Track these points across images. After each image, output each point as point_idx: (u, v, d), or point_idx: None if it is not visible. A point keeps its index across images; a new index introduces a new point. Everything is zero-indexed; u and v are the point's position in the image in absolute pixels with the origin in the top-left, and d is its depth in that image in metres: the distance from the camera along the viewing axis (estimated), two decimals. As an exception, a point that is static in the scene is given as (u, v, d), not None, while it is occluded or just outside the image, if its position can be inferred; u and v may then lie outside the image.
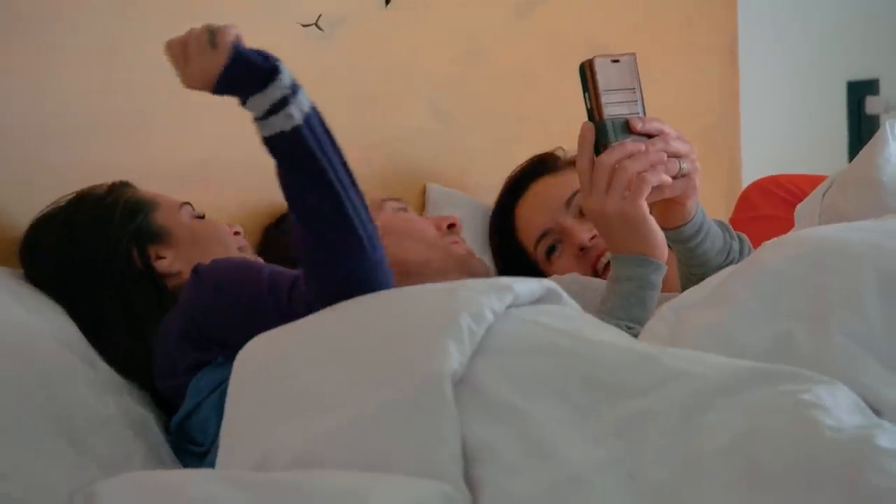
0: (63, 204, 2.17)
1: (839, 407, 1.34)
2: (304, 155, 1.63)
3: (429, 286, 1.64)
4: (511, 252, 2.53)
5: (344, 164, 1.64)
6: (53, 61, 2.28)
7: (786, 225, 2.09)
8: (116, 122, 2.35)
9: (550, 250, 2.47)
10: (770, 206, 2.63)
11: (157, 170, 2.39)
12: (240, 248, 2.20)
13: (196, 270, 1.95)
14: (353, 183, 1.64)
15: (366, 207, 1.65)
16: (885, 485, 1.22)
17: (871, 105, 3.84)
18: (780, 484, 1.25)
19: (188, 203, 2.22)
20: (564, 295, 1.61)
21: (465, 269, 2.33)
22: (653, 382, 1.38)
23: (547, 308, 1.55)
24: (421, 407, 1.39)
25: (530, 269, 2.49)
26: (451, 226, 2.39)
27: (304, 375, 1.51)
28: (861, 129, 3.81)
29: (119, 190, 2.18)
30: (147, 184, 2.37)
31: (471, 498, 1.34)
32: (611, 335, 1.49)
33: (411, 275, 2.28)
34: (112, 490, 1.41)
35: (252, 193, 2.52)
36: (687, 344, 1.53)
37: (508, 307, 1.52)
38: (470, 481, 1.35)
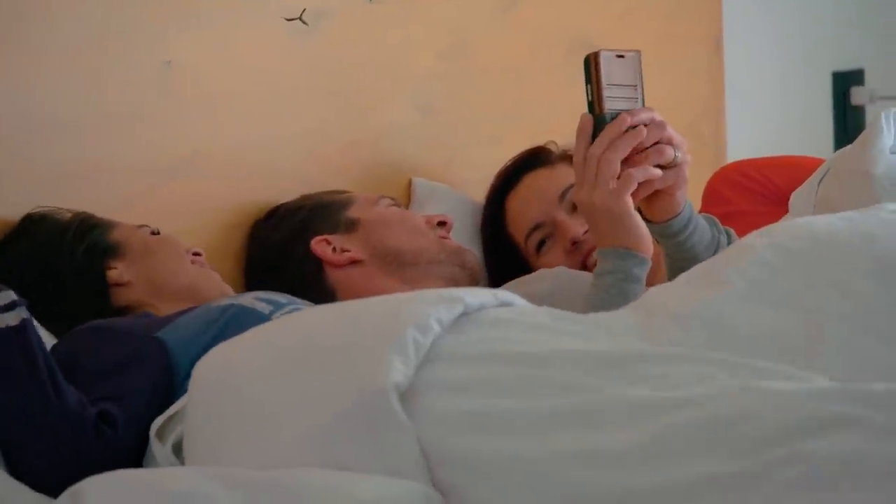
0: (24, 222, 2.20)
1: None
2: None
3: (381, 298, 1.65)
4: (501, 244, 2.54)
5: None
6: (40, 57, 2.28)
7: (762, 220, 2.09)
8: (103, 116, 2.35)
9: (541, 244, 2.47)
10: (743, 200, 2.62)
11: (144, 164, 2.40)
12: (194, 262, 2.21)
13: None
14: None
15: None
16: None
17: (857, 95, 3.85)
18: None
19: (146, 225, 2.24)
20: (519, 302, 1.62)
21: (458, 259, 2.35)
22: (613, 391, 1.39)
23: (500, 314, 1.55)
24: (370, 420, 1.40)
25: (519, 261, 2.50)
26: (442, 223, 2.40)
27: (258, 391, 1.51)
28: (847, 120, 3.82)
29: (78, 214, 2.22)
30: (134, 178, 2.38)
31: (443, 502, 1.35)
32: (565, 341, 1.48)
33: (406, 264, 2.29)
34: (98, 487, 1.42)
35: (240, 187, 2.53)
36: (676, 323, 1.52)
37: (460, 317, 1.52)
38: (440, 485, 1.36)
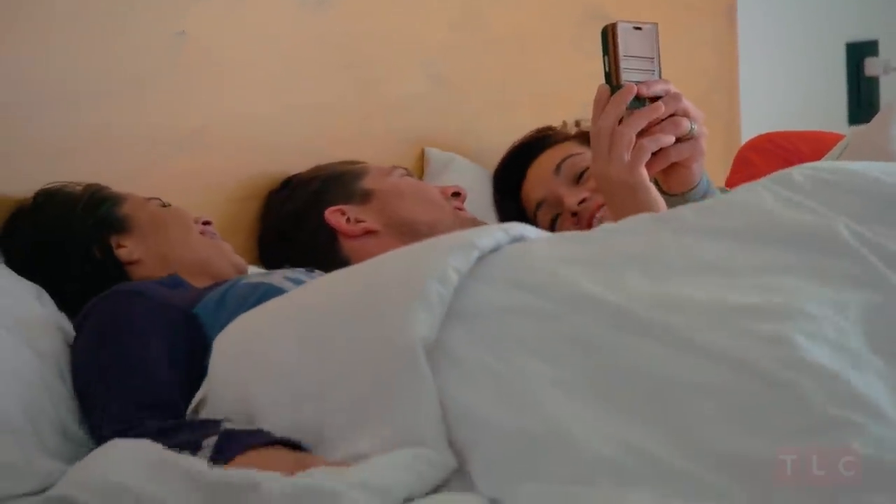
0: (38, 197, 2.20)
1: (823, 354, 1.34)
2: None
3: (395, 253, 1.64)
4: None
5: None
6: (49, 27, 2.27)
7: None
8: (114, 87, 2.34)
9: (553, 221, 2.48)
10: (768, 165, 2.63)
11: (154, 136, 2.39)
12: (203, 233, 2.20)
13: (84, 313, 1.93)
14: None
15: None
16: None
17: (871, 66, 3.83)
18: None
19: (156, 198, 2.23)
20: (531, 233, 1.62)
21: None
22: (629, 340, 1.39)
23: (516, 254, 1.54)
24: (396, 378, 1.40)
25: None
26: (456, 194, 2.39)
27: (285, 361, 1.52)
28: (860, 91, 3.81)
29: (90, 187, 2.21)
30: (145, 150, 2.37)
31: (454, 460, 1.36)
32: (588, 283, 1.48)
33: (420, 235, 2.29)
34: (101, 454, 1.52)
35: (252, 160, 2.52)
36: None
37: (478, 260, 1.52)
38: (457, 445, 1.37)
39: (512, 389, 1.38)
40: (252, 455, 1.47)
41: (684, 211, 1.59)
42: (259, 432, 1.50)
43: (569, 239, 1.59)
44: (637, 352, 1.37)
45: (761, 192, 1.56)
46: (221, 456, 1.48)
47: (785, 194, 1.55)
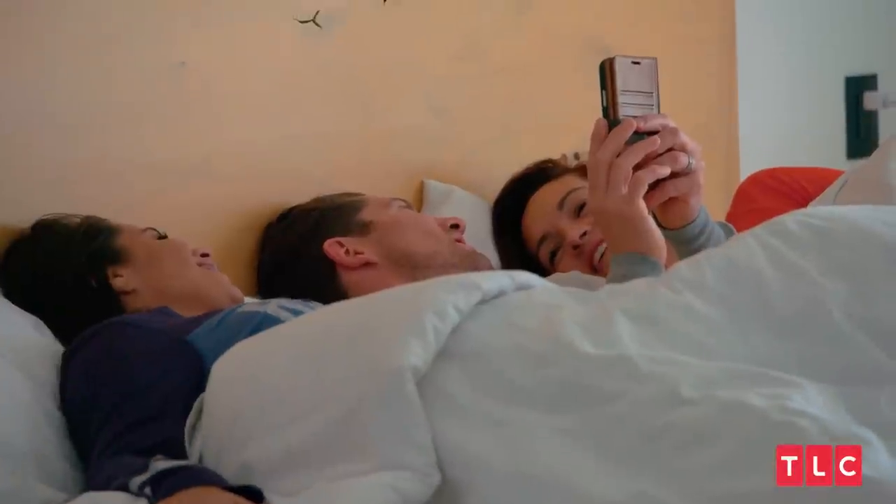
0: (35, 228, 2.21)
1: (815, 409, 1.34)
2: None
3: (398, 287, 1.65)
4: (521, 262, 2.53)
5: None
6: (51, 53, 2.28)
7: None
8: (114, 117, 2.35)
9: (553, 254, 2.48)
10: (768, 199, 2.63)
11: (154, 166, 2.40)
12: (201, 264, 2.20)
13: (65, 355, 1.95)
14: None
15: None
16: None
17: (869, 100, 3.83)
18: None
19: (152, 228, 2.24)
20: (536, 282, 1.62)
21: (471, 263, 2.35)
22: (626, 386, 1.39)
23: (517, 300, 1.55)
24: (382, 402, 1.41)
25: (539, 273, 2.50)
26: (455, 226, 2.40)
27: (277, 383, 1.53)
28: (859, 125, 3.81)
29: (87, 219, 2.22)
30: (144, 180, 2.38)
31: (438, 477, 1.36)
32: (584, 334, 1.48)
33: (419, 267, 2.30)
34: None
35: (252, 190, 2.53)
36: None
37: (479, 303, 1.52)
38: (452, 484, 1.37)
39: (507, 431, 1.38)
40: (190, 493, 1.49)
41: (682, 268, 1.59)
42: (194, 473, 1.53)
43: (570, 293, 1.59)
44: (632, 397, 1.37)
45: (754, 247, 1.56)
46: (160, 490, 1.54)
47: (778, 248, 1.55)
